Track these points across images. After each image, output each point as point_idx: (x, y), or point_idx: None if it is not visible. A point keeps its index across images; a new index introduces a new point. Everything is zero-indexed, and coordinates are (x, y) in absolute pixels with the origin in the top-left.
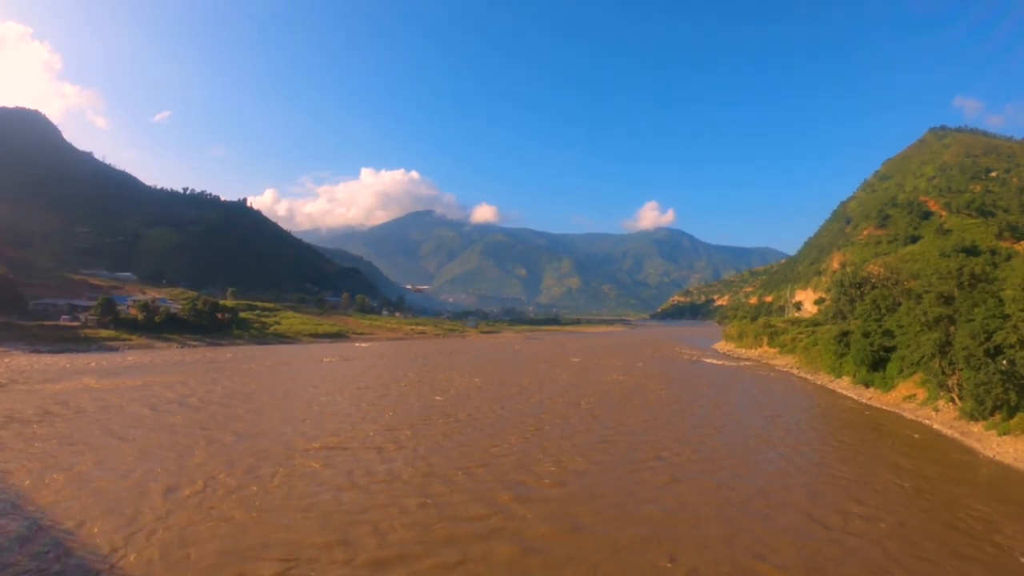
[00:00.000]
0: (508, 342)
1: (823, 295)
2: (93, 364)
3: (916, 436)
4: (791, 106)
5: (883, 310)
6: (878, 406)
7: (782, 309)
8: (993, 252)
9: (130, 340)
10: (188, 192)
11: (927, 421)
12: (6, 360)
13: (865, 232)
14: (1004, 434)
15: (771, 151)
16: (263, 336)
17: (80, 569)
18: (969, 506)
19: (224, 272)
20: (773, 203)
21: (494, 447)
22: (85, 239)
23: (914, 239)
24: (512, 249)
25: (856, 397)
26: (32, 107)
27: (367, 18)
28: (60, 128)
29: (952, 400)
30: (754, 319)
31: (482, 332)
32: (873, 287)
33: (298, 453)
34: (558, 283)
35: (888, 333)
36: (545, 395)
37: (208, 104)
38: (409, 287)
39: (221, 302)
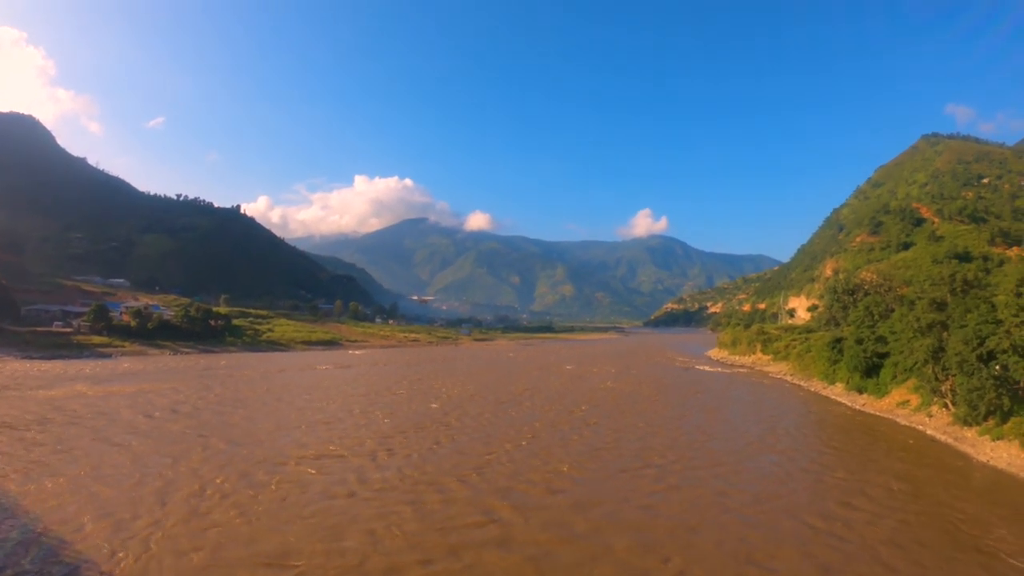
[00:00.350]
0: (502, 350)
1: (816, 302)
2: (86, 371)
3: (911, 442)
4: (785, 114)
5: (876, 316)
6: (872, 412)
7: (775, 316)
8: (985, 258)
9: (123, 347)
10: (181, 198)
11: (921, 427)
12: None
13: (858, 239)
14: (998, 439)
15: (764, 159)
16: (256, 343)
17: None
18: (962, 510)
19: (217, 279)
20: (766, 210)
21: (488, 454)
22: (78, 245)
23: (907, 245)
24: (506, 257)
25: (850, 403)
26: (26, 112)
27: (360, 28)
28: (54, 133)
29: (945, 406)
30: (747, 326)
31: (476, 340)
32: (866, 294)
33: (292, 460)
34: (552, 291)
35: (881, 339)
36: (539, 402)
37: (202, 111)
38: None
39: (214, 309)
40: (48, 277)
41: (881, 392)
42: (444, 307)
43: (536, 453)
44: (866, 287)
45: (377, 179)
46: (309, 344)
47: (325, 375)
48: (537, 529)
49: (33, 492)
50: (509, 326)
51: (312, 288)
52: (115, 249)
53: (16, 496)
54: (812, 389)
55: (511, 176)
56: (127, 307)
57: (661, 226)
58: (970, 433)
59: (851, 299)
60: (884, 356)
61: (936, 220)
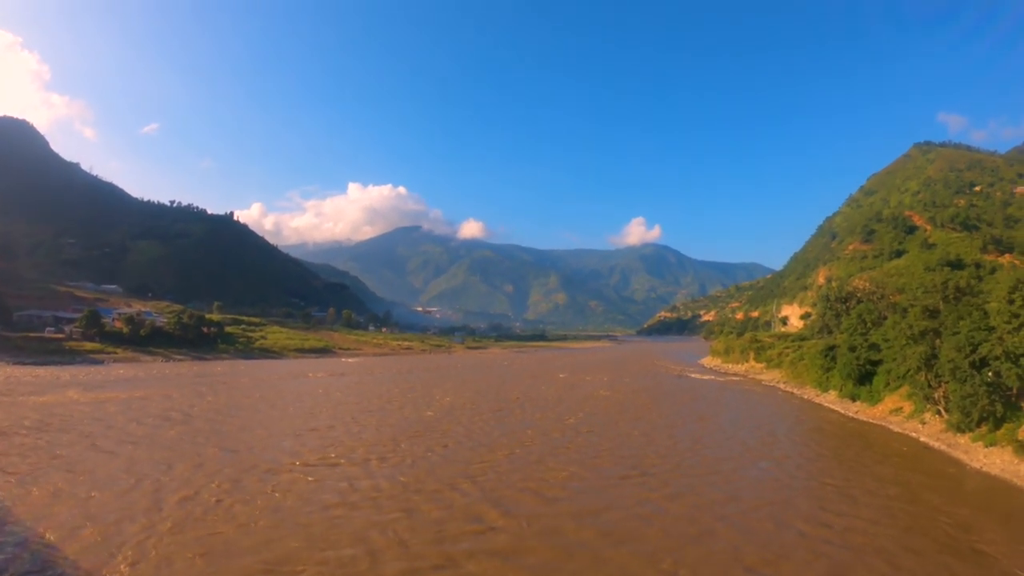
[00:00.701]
0: (495, 358)
1: (809, 310)
2: (79, 377)
3: (904, 449)
4: (778, 123)
5: (869, 324)
6: (865, 419)
7: (768, 324)
8: (978, 265)
9: (115, 353)
10: (175, 205)
11: (914, 434)
12: None
13: (851, 247)
14: (991, 445)
15: (757, 168)
16: (249, 351)
17: None
18: (956, 516)
19: (210, 286)
20: (759, 219)
21: (482, 462)
22: (71, 251)
23: (899, 253)
24: (499, 265)
25: (843, 411)
26: (20, 117)
27: (353, 36)
28: (48, 138)
29: (939, 413)
30: (740, 334)
31: (469, 348)
32: (859, 301)
33: (286, 468)
34: (545, 299)
35: (874, 347)
36: (532, 411)
37: (196, 117)
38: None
39: (207, 316)
40: (40, 282)
41: (874, 399)
42: (438, 315)
43: (530, 462)
44: (859, 295)
45: (371, 187)
46: (302, 352)
47: (318, 383)
48: (531, 538)
49: (26, 498)
50: (502, 334)
51: (305, 296)
52: (108, 255)
53: (9, 502)
54: (805, 397)
55: (504, 184)
56: (120, 313)
57: (654, 234)
58: (963, 440)
59: (844, 307)
60: (877, 363)
61: (928, 228)
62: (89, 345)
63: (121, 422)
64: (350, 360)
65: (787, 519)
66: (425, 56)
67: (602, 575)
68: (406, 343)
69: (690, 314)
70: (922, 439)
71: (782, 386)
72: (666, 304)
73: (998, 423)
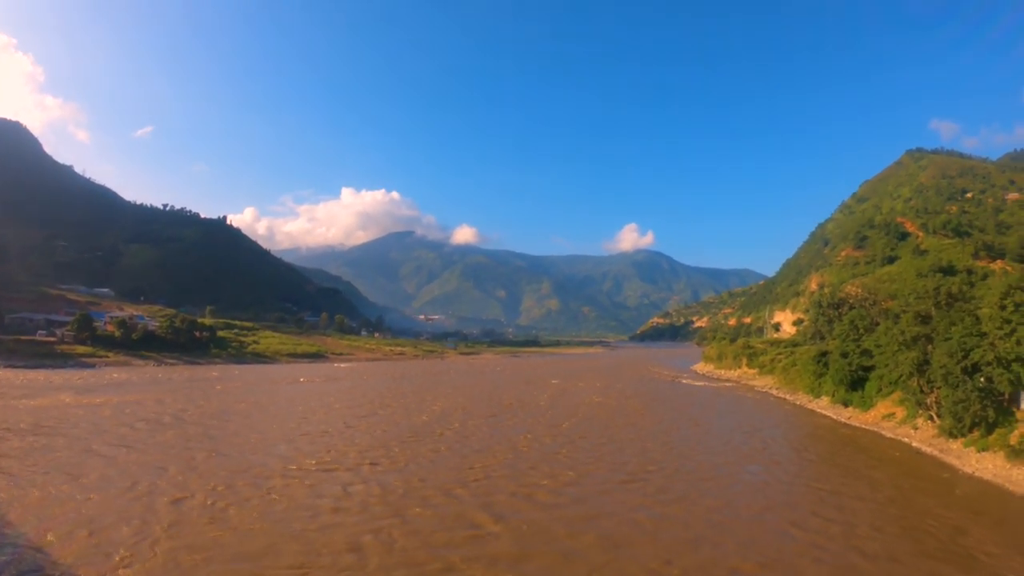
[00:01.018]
0: (488, 363)
1: (801, 316)
2: (73, 380)
3: (896, 454)
4: (771, 130)
5: (861, 330)
6: (857, 425)
7: (761, 330)
8: (970, 271)
9: (107, 357)
10: (168, 208)
11: (906, 439)
12: None
13: (843, 253)
14: (983, 450)
15: (750, 175)
16: (241, 355)
17: None
18: (948, 520)
19: (203, 290)
20: (752, 225)
21: (475, 468)
22: (63, 254)
23: (891, 260)
24: (492, 271)
25: (835, 417)
26: (13, 118)
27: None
28: (41, 141)
29: (931, 418)
30: (733, 340)
31: (461, 354)
32: (851, 307)
33: (278, 473)
34: (538, 305)
35: (866, 353)
36: (526, 416)
37: (190, 121)
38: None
39: (199, 320)
40: (33, 285)
41: (866, 405)
42: (431, 320)
43: (523, 467)
44: (851, 301)
45: (364, 192)
46: (295, 356)
47: (311, 388)
48: (526, 544)
49: (21, 501)
50: (495, 340)
51: (298, 300)
52: (100, 258)
53: (4, 505)
54: (798, 402)
55: (498, 190)
56: (112, 317)
57: (647, 240)
58: (955, 445)
59: (836, 313)
60: (869, 369)
61: (920, 234)
62: (81, 349)
63: (114, 426)
64: (343, 365)
65: (781, 524)
66: (417, 62)
67: None
68: (399, 348)
69: (683, 320)
70: (914, 444)
71: (775, 392)
72: (659, 310)
73: (990, 428)
